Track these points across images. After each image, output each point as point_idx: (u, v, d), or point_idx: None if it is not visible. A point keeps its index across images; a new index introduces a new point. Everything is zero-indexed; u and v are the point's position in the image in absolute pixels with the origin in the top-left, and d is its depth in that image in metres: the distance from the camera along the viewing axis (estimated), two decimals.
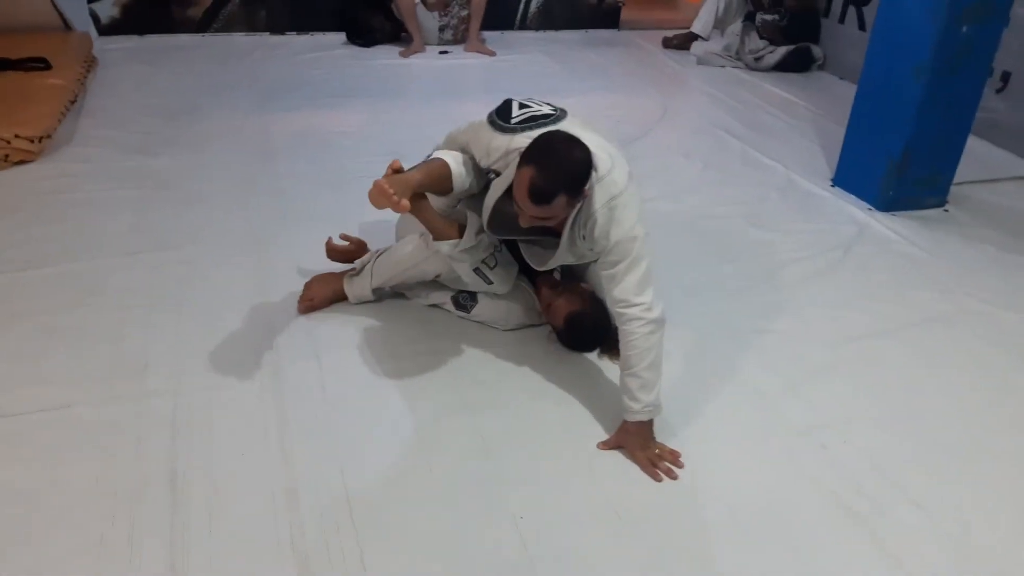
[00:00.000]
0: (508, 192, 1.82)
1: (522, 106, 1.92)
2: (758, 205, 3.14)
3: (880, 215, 3.08)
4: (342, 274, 2.28)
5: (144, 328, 2.14)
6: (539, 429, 1.89)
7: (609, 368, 2.10)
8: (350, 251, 2.38)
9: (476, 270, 2.07)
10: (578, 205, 1.78)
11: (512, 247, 2.15)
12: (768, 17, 5.00)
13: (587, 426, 1.90)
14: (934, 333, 2.37)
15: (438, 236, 2.00)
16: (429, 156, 2.02)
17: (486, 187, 1.97)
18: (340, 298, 2.27)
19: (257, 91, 4.07)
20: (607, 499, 1.70)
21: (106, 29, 4.79)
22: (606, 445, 1.84)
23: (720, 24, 5.17)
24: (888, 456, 1.87)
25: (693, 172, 3.44)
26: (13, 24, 4.02)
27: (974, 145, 3.30)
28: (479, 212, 1.99)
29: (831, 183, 3.33)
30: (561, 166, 1.70)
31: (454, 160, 1.94)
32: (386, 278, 2.23)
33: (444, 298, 2.26)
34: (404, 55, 4.84)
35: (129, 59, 4.44)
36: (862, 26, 4.77)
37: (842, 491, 1.76)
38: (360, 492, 1.67)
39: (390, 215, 2.05)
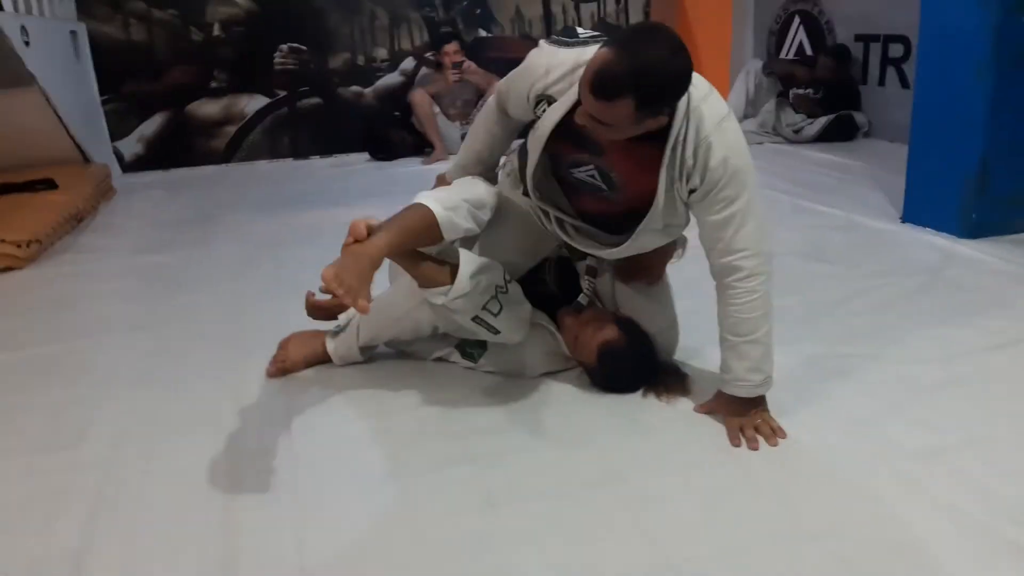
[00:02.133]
0: (559, 128, 1.47)
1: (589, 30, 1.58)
2: (817, 244, 2.73)
3: (966, 243, 2.62)
4: (324, 333, 1.92)
5: (90, 403, 1.79)
6: (556, 480, 1.44)
7: (651, 408, 1.66)
8: (334, 307, 1.98)
9: (476, 318, 1.64)
10: (646, 125, 1.35)
11: (533, 275, 1.80)
12: (802, 91, 4.78)
13: (618, 475, 1.44)
14: None
15: (425, 283, 1.60)
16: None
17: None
18: (321, 360, 1.89)
19: (273, 201, 3.91)
20: (652, 558, 1.23)
21: (130, 166, 4.80)
22: (704, 408, 1.63)
23: (752, 105, 4.97)
24: None
25: None
26: (32, 161, 3.97)
27: None
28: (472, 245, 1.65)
29: (900, 220, 2.91)
30: (646, 58, 1.28)
31: (438, 203, 1.53)
32: (375, 332, 1.85)
33: (449, 348, 1.87)
34: (427, 163, 4.71)
35: (148, 188, 4.37)
36: (904, 84, 4.48)
37: (993, 522, 1.26)
38: (320, 566, 1.23)
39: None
